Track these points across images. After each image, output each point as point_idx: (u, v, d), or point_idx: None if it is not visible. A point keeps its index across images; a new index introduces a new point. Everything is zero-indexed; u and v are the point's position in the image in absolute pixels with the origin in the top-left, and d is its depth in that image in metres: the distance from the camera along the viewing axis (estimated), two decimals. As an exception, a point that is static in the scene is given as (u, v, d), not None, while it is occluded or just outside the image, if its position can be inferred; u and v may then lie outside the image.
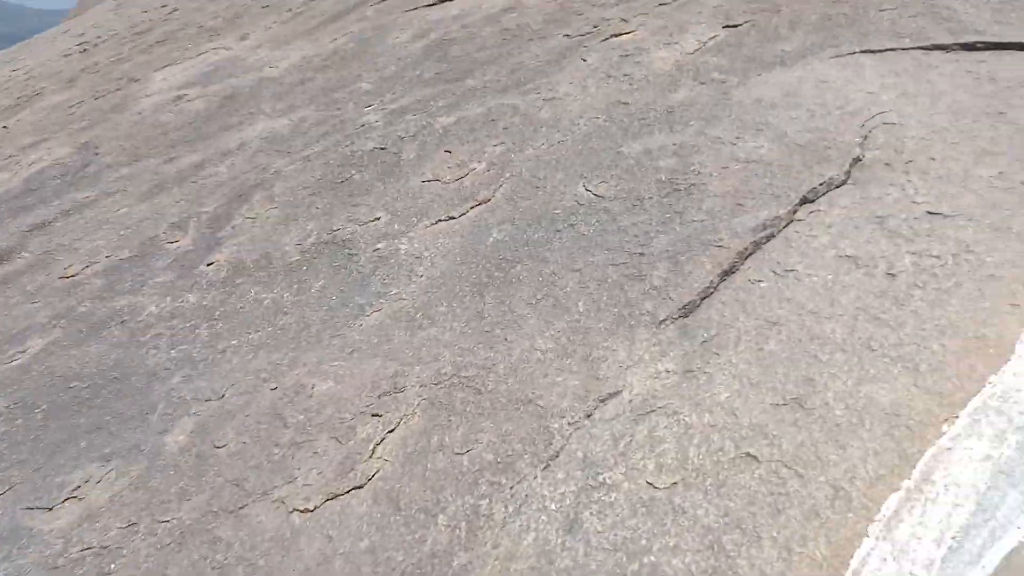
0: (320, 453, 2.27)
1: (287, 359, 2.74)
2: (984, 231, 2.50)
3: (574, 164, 3.49)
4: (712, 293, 2.59)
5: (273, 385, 2.61)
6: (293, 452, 2.30)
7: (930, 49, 3.54)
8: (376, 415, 2.33)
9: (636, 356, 2.39)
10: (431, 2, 6.72)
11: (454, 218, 3.35)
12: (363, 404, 2.39)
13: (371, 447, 2.22)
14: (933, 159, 2.87)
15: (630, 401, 2.24)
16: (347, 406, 2.40)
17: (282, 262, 3.37)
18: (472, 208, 3.38)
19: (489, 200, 3.40)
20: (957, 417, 1.94)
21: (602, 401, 2.25)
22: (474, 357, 2.49)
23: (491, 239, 3.13)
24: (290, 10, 7.97)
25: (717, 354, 2.34)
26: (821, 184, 2.90)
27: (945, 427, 1.93)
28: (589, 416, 2.19)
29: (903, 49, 3.60)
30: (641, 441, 2.08)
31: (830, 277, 2.51)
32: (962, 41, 3.49)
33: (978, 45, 3.44)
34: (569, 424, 2.17)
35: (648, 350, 2.40)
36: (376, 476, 2.13)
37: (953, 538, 1.67)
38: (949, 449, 1.86)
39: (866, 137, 3.08)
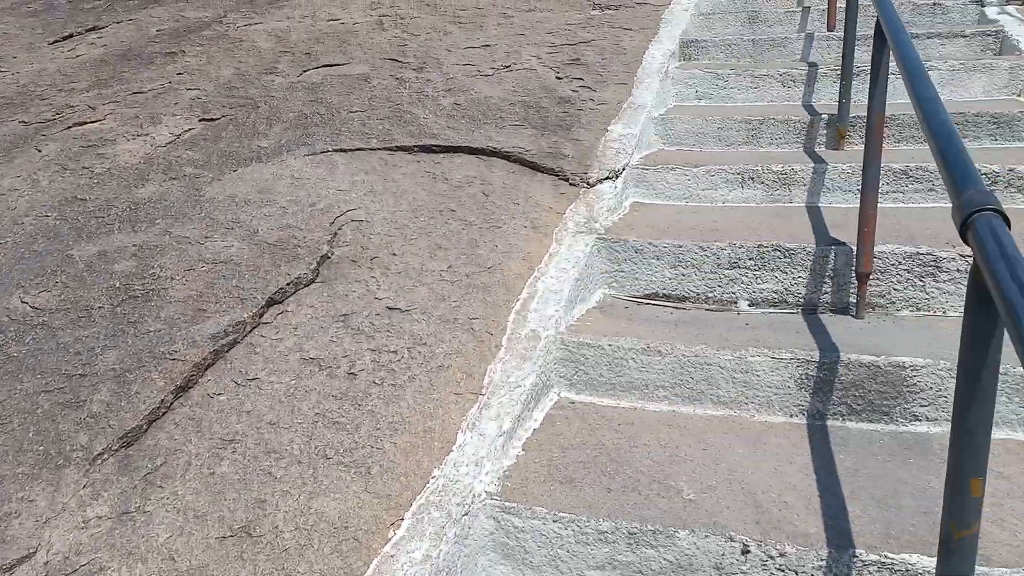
0: None
1: None
2: (435, 323, 2.61)
3: (11, 272, 2.94)
4: (163, 414, 2.30)
5: None
6: None
7: (395, 150, 3.74)
8: None
9: (60, 504, 1.98)
10: None
11: None
12: None
13: None
14: (395, 254, 2.97)
15: (46, 564, 1.83)
16: None
17: None
18: None
19: None
20: (403, 519, 1.91)
21: (7, 571, 1.80)
22: None
23: None
24: None
25: (161, 487, 2.05)
26: (289, 284, 2.80)
27: (392, 532, 1.88)
28: (-21, 598, 1.73)
29: (372, 149, 3.75)
30: (48, 618, 1.69)
31: (293, 383, 2.39)
32: (422, 144, 3.75)
33: (435, 148, 3.73)
34: (-54, 616, 1.68)
35: (76, 495, 2.01)
36: None
37: (393, 658, 1.59)
38: (392, 556, 1.80)
39: (335, 234, 3.09)
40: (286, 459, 2.11)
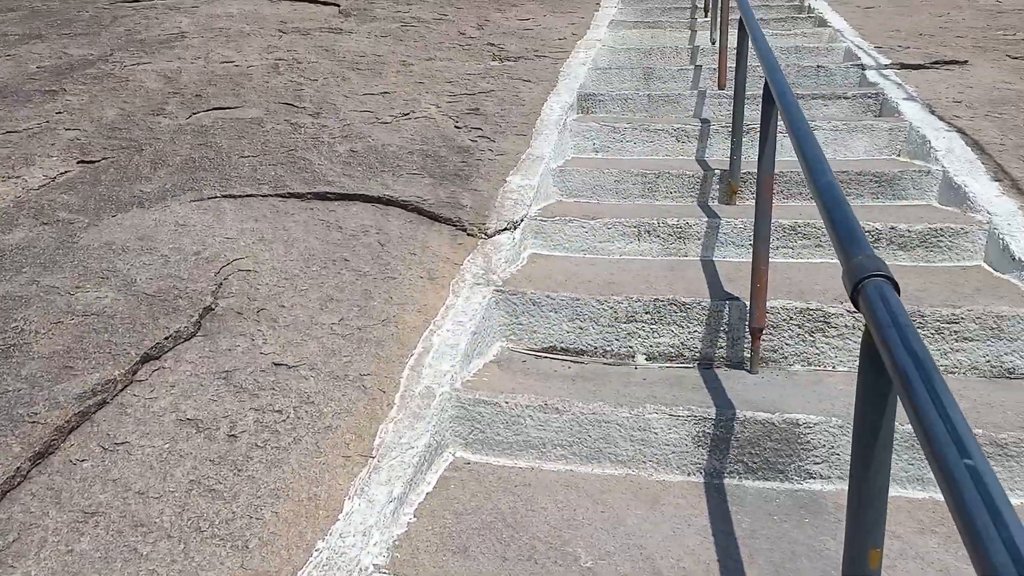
0: None
1: None
2: (324, 380, 2.48)
3: None
4: (19, 484, 2.09)
5: None
6: None
7: (287, 197, 3.61)
8: None
9: None
10: None
11: None
12: None
13: None
14: (284, 306, 2.84)
15: None
16: None
17: None
18: None
19: None
20: (282, 599, 1.77)
21: None
22: None
23: None
24: None
25: (13, 567, 1.84)
26: (167, 338, 2.63)
27: (269, 614, 1.73)
28: None
29: (263, 196, 3.61)
30: None
31: (167, 446, 2.22)
32: (316, 191, 3.64)
33: (329, 195, 3.62)
34: None
35: (-93, 581, 1.78)
36: None
37: None
38: (269, 642, 1.65)
39: (221, 284, 2.93)
40: (155, 533, 1.94)
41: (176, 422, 2.31)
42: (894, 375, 1.01)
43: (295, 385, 2.46)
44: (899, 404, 1.20)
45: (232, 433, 2.27)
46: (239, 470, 2.14)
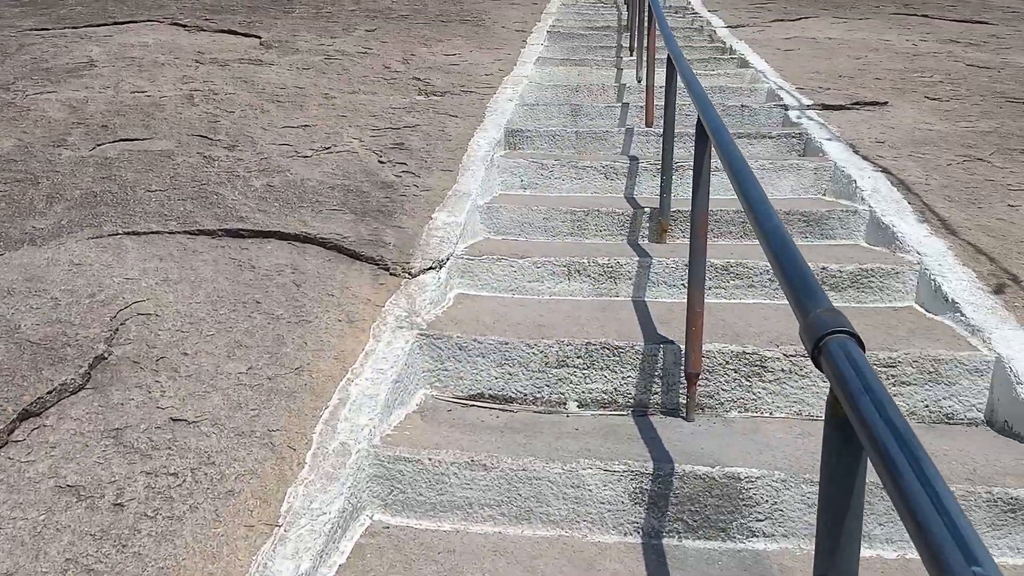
0: None
1: None
2: (228, 437, 2.25)
3: None
4: None
5: None
6: None
7: (196, 234, 3.37)
8: None
9: None
10: None
11: None
12: None
13: None
14: (186, 354, 2.60)
15: None
16: None
17: None
18: None
19: None
20: None
21: None
22: None
23: None
24: None
25: None
26: (51, 392, 2.36)
27: None
28: None
29: (169, 233, 3.36)
30: None
31: (42, 518, 1.96)
32: (228, 227, 3.41)
33: (243, 232, 3.39)
34: None
35: None
36: None
37: None
38: None
39: (116, 330, 2.68)
40: (20, 624, 1.68)
41: (55, 489, 2.05)
42: (870, 448, 0.88)
43: (195, 443, 2.23)
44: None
45: (118, 502, 2.02)
46: (123, 546, 1.89)
